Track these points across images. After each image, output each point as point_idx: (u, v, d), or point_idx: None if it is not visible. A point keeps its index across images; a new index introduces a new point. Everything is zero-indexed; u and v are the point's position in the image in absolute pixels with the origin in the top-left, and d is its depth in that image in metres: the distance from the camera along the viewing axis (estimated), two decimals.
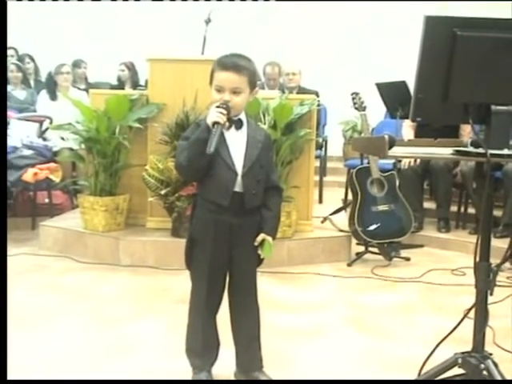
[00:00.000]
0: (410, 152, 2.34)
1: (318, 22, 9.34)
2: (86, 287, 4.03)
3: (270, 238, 2.55)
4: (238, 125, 2.51)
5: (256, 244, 2.55)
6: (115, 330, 3.30)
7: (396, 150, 2.18)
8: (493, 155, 2.05)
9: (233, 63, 2.43)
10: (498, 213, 5.16)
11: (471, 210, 5.58)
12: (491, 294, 2.24)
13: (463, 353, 2.29)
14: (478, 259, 2.25)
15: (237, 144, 2.50)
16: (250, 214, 2.53)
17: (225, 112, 2.40)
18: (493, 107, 2.09)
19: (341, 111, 7.98)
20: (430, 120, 2.14)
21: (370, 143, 2.33)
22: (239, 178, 2.48)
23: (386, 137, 2.06)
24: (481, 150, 2.08)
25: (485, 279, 2.22)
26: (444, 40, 2.02)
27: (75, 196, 5.63)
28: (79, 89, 7.22)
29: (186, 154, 2.45)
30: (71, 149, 5.63)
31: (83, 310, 3.59)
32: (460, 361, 2.28)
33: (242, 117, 2.53)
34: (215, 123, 2.38)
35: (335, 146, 8.45)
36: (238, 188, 2.49)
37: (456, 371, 2.32)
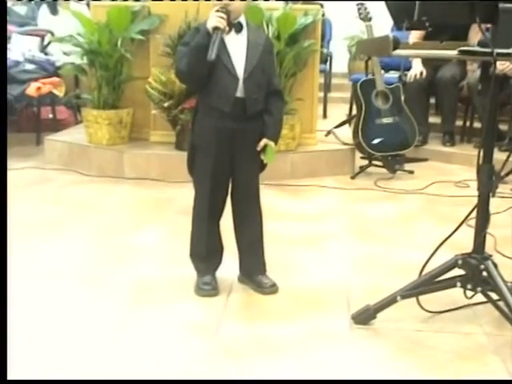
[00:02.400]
0: (414, 52, 2.31)
1: None
2: (91, 199, 4.07)
3: (272, 143, 2.55)
4: (238, 28, 2.47)
5: (258, 149, 2.55)
6: (119, 238, 3.35)
7: (400, 52, 2.16)
8: (499, 54, 2.02)
9: None
10: (504, 127, 5.13)
11: (477, 125, 5.53)
12: (493, 196, 2.26)
13: (463, 254, 2.33)
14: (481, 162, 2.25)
15: (237, 48, 2.47)
16: (251, 119, 2.52)
17: (224, 16, 2.37)
18: (500, 5, 2.04)
19: (346, 28, 7.85)
20: (435, 18, 2.09)
21: (374, 43, 2.30)
22: (240, 82, 2.47)
23: (391, 36, 2.03)
24: (487, 49, 2.04)
25: (487, 181, 2.22)
26: None
27: (79, 111, 5.60)
28: (80, 2, 7.07)
29: (186, 60, 2.42)
30: (74, 63, 5.56)
31: (87, 220, 3.63)
32: (460, 262, 2.31)
33: (242, 20, 2.49)
34: (215, 28, 2.35)
35: (340, 63, 8.34)
36: (239, 93, 2.48)
37: (456, 272, 2.36)
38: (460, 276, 2.33)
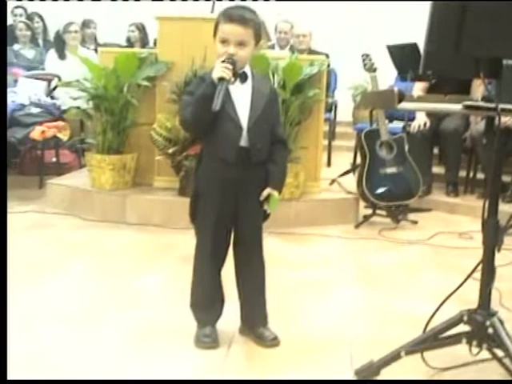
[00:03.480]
0: (419, 106, 2.31)
1: None
2: (92, 243, 4.04)
3: (275, 193, 2.54)
4: (243, 78, 2.48)
5: (262, 199, 2.54)
6: (119, 283, 3.32)
7: (405, 105, 2.16)
8: (503, 110, 2.01)
9: (238, 15, 2.40)
10: (506, 178, 5.12)
11: (480, 176, 5.53)
12: (498, 251, 2.23)
13: (469, 310, 2.29)
14: (486, 216, 2.23)
15: (242, 98, 2.47)
16: (255, 168, 2.51)
17: (230, 67, 2.37)
18: (504, 61, 2.04)
19: (351, 77, 7.91)
20: (440, 72, 2.09)
21: (379, 96, 2.30)
22: (244, 132, 2.46)
23: (396, 89, 2.04)
24: (491, 105, 2.04)
25: (492, 235, 2.20)
26: None
27: (83, 155, 5.62)
28: (88, 49, 7.17)
29: (190, 109, 2.42)
30: (79, 108, 5.59)
31: (87, 264, 3.62)
32: (465, 318, 2.27)
33: (247, 70, 2.50)
34: (221, 79, 2.35)
35: (345, 111, 8.40)
36: (243, 143, 2.47)
37: (461, 328, 2.32)
38: (466, 332, 2.29)
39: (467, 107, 2.14)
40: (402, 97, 2.09)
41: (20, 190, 5.26)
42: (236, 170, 2.48)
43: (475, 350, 2.29)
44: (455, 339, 2.30)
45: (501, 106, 2.00)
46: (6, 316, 2.04)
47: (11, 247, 3.65)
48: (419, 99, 2.37)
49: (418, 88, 5.44)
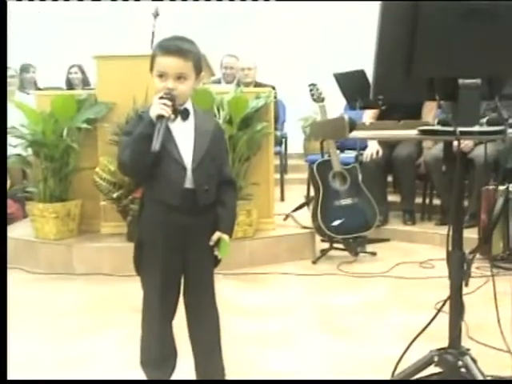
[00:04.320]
0: (372, 133, 2.16)
1: (276, 17, 9.25)
2: (39, 300, 3.79)
3: (226, 237, 2.34)
4: (185, 115, 2.29)
5: (212, 244, 2.34)
6: (70, 343, 3.10)
7: (357, 134, 2.00)
8: (462, 133, 1.88)
9: (176, 46, 2.22)
10: (464, 203, 5.05)
11: (436, 202, 5.46)
12: (466, 285, 2.08)
13: (439, 349, 2.13)
14: (450, 248, 2.09)
15: (184, 136, 2.29)
16: (203, 212, 2.31)
17: (169, 103, 2.18)
18: (460, 81, 1.91)
19: (300, 108, 7.85)
20: (392, 97, 1.96)
21: (329, 125, 2.14)
22: (189, 173, 2.27)
23: (346, 117, 1.88)
24: (449, 128, 1.90)
25: (459, 269, 2.05)
26: (405, 10, 1.84)
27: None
28: (28, 93, 6.94)
29: (128, 151, 2.22)
30: (19, 155, 5.35)
31: (36, 324, 3.38)
32: (436, 358, 2.11)
33: (189, 106, 2.31)
34: (159, 116, 2.17)
35: (296, 144, 8.33)
36: (188, 184, 2.27)
37: (432, 370, 2.16)
38: (437, 374, 2.13)
39: (424, 132, 2.00)
40: (353, 125, 1.92)
41: None
42: (182, 215, 2.28)
43: None
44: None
45: (459, 128, 1.87)
46: (5, 316, 1.83)
47: None
48: (371, 126, 2.22)
49: (369, 115, 5.35)
